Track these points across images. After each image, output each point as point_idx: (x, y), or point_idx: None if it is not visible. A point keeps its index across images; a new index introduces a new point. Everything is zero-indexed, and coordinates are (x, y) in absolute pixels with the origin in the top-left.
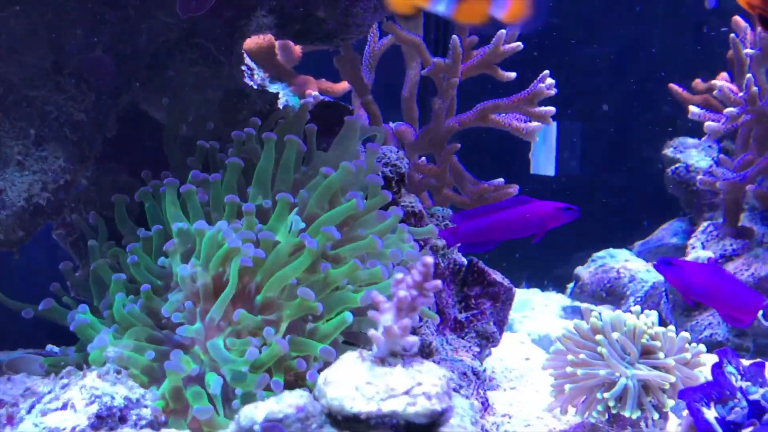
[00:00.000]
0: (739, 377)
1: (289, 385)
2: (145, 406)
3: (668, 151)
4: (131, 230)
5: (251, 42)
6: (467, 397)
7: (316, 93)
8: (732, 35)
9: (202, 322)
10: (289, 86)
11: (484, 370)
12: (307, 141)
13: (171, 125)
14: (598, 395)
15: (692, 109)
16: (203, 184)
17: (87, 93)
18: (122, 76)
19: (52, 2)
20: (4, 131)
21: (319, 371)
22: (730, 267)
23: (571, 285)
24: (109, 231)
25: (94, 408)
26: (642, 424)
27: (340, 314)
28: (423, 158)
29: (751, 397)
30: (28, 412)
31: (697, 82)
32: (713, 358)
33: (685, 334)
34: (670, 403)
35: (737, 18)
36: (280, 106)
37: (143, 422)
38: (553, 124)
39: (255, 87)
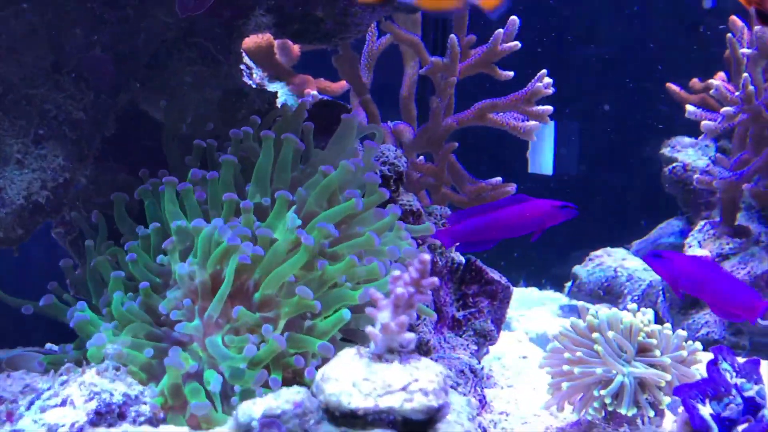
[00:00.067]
0: (734, 374)
1: (288, 383)
2: (144, 403)
3: (665, 150)
4: (130, 229)
5: (250, 41)
6: (465, 395)
7: (315, 92)
8: (729, 35)
9: (201, 320)
10: (287, 85)
11: (482, 368)
12: (305, 139)
13: (170, 124)
14: (595, 393)
15: (689, 108)
16: (202, 183)
17: (86, 92)
18: (121, 76)
19: (51, 2)
20: (3, 129)
21: (317, 368)
22: (727, 265)
23: (568, 284)
24: (108, 230)
25: (93, 404)
26: (638, 421)
27: (338, 311)
28: (421, 157)
29: (746, 394)
30: (28, 408)
31: (695, 82)
32: (709, 356)
33: (682, 332)
34: (666, 400)
35: (734, 18)
36: (279, 105)
37: (142, 419)
38: (551, 123)
39: (254, 86)
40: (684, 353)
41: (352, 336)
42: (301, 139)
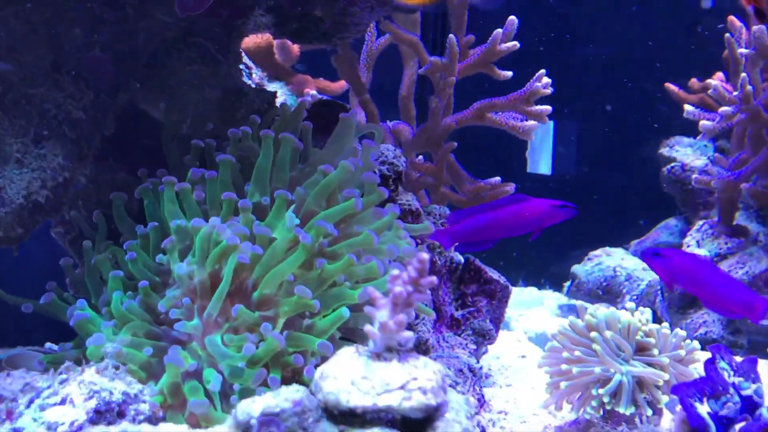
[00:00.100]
0: (731, 373)
1: (287, 382)
2: (143, 401)
3: (664, 150)
4: (130, 228)
5: (249, 41)
6: (463, 394)
7: (314, 92)
8: (727, 35)
9: (200, 319)
10: (287, 85)
11: (481, 368)
12: (304, 139)
13: (169, 124)
14: (593, 391)
15: (687, 108)
16: (201, 182)
17: (86, 91)
18: (121, 75)
19: (51, 2)
20: (3, 129)
21: (316, 367)
22: (725, 265)
23: (567, 283)
24: (108, 229)
25: (93, 403)
26: (636, 420)
27: (337, 310)
28: (420, 157)
29: (744, 393)
30: (27, 407)
31: (693, 82)
32: (707, 355)
33: (680, 332)
34: (664, 399)
35: (732, 18)
36: (278, 105)
37: (141, 417)
38: (550, 123)
39: (253, 86)
40: (682, 352)
41: (351, 335)
42: (300, 139)
